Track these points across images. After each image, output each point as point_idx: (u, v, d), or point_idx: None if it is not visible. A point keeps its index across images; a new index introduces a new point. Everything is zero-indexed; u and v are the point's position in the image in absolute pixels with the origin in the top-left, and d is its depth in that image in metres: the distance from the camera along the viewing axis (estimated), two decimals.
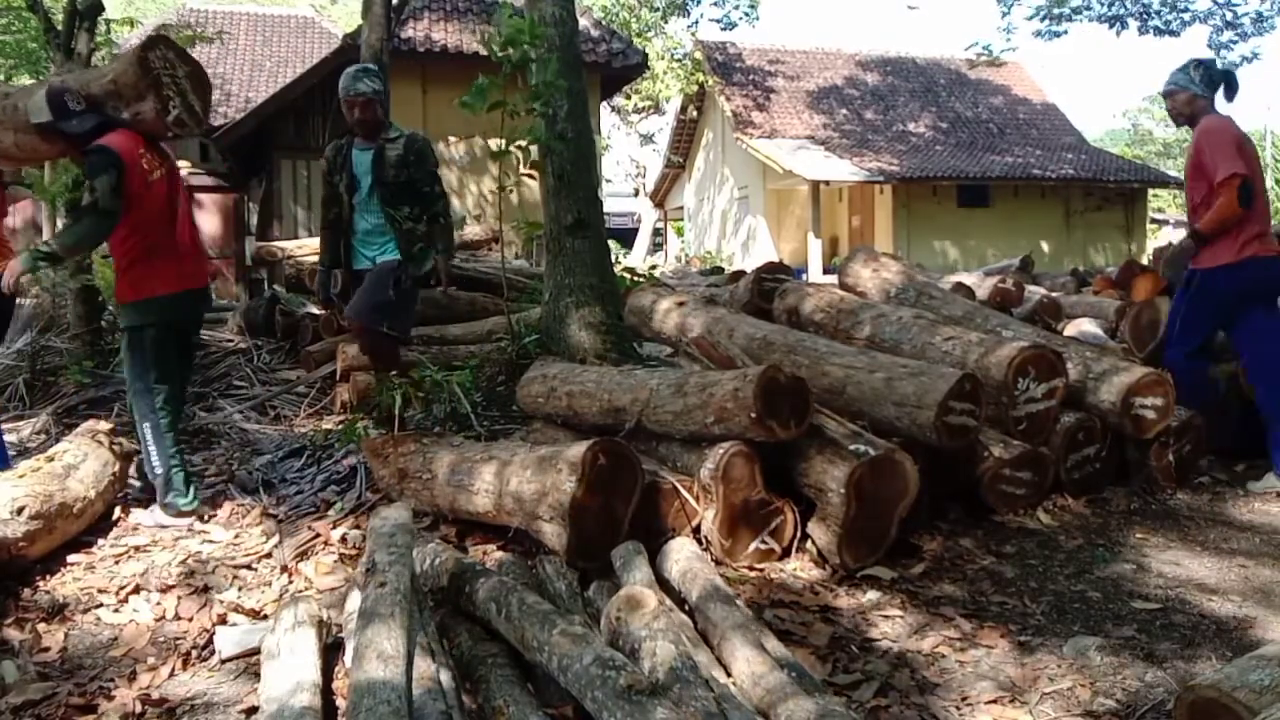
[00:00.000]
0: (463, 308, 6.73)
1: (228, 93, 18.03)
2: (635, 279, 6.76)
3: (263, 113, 14.77)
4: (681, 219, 27.27)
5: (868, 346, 3.97)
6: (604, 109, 20.50)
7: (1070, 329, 5.49)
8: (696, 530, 3.02)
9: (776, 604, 2.78)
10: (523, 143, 4.72)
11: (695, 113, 24.66)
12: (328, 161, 4.39)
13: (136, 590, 3.04)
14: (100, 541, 3.43)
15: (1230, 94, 4.29)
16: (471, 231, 8.70)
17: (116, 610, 2.94)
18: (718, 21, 31.39)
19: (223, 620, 2.85)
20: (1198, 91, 4.24)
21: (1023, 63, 25.15)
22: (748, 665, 2.14)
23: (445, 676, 2.19)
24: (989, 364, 3.60)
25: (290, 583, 3.11)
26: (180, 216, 3.70)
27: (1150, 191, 23.65)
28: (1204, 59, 4.35)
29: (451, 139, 14.46)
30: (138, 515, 3.66)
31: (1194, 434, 3.93)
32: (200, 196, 16.41)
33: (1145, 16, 17.22)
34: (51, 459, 3.49)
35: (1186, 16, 17.12)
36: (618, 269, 6.48)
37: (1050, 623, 2.72)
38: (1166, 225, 30.40)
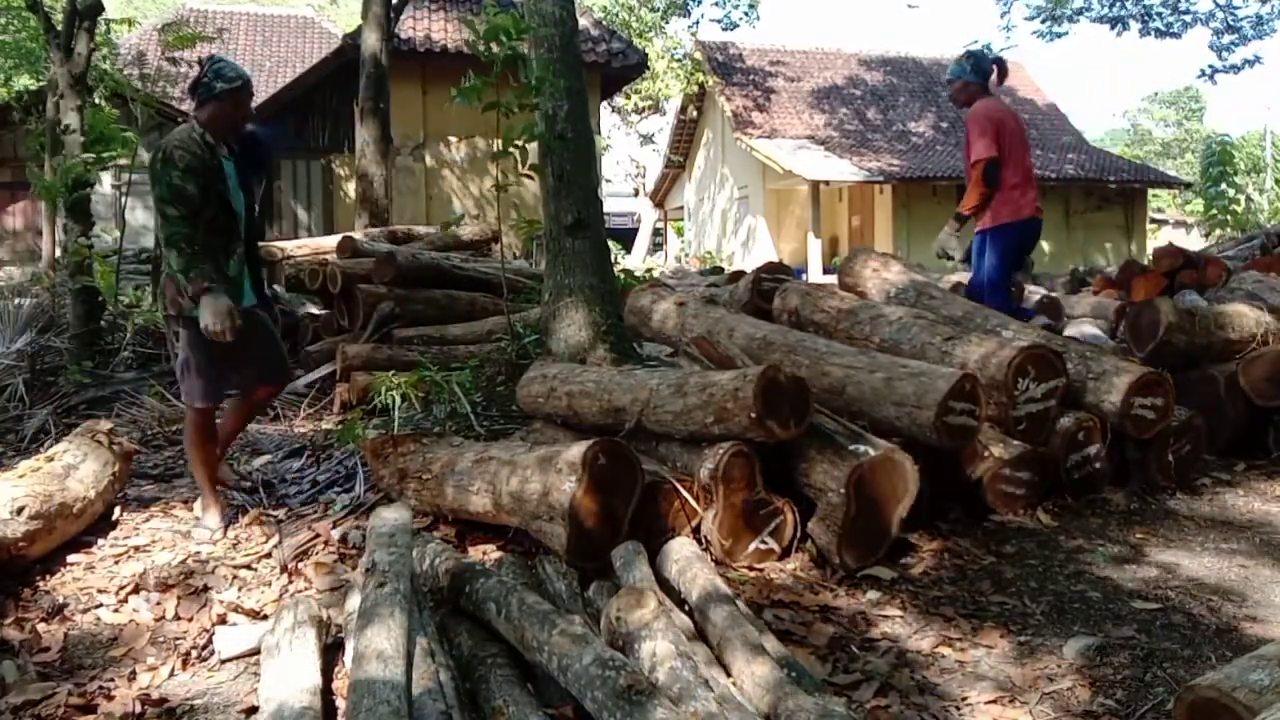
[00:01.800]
0: (463, 308, 6.74)
1: None
2: (633, 279, 6.76)
3: (262, 113, 14.78)
4: (681, 219, 27.27)
5: (867, 346, 3.97)
6: (604, 109, 20.50)
7: (1070, 329, 5.49)
8: (696, 530, 3.02)
9: (776, 604, 2.78)
10: (520, 141, 4.72)
11: (695, 113, 24.67)
12: (198, 159, 3.34)
13: (136, 590, 3.04)
14: (100, 541, 3.42)
15: (1001, 77, 5.05)
16: (471, 231, 8.70)
17: (116, 610, 2.93)
18: (718, 22, 31.43)
19: (223, 620, 2.85)
20: (970, 79, 4.96)
21: (1023, 63, 25.16)
22: (747, 665, 2.14)
23: (445, 676, 2.19)
24: (989, 364, 3.60)
25: (290, 583, 3.11)
26: None
27: (1150, 191, 23.65)
28: (975, 50, 5.05)
29: (451, 139, 14.47)
30: None
31: (1194, 434, 3.93)
32: None
33: (1146, 18, 17.23)
34: (51, 459, 3.49)
35: (1187, 18, 17.14)
36: (616, 269, 6.48)
37: (1050, 623, 2.72)
38: (1166, 225, 30.41)
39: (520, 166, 4.88)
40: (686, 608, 2.54)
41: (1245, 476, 4.07)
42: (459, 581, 2.58)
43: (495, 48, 4.61)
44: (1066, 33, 17.63)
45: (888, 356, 3.68)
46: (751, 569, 3.01)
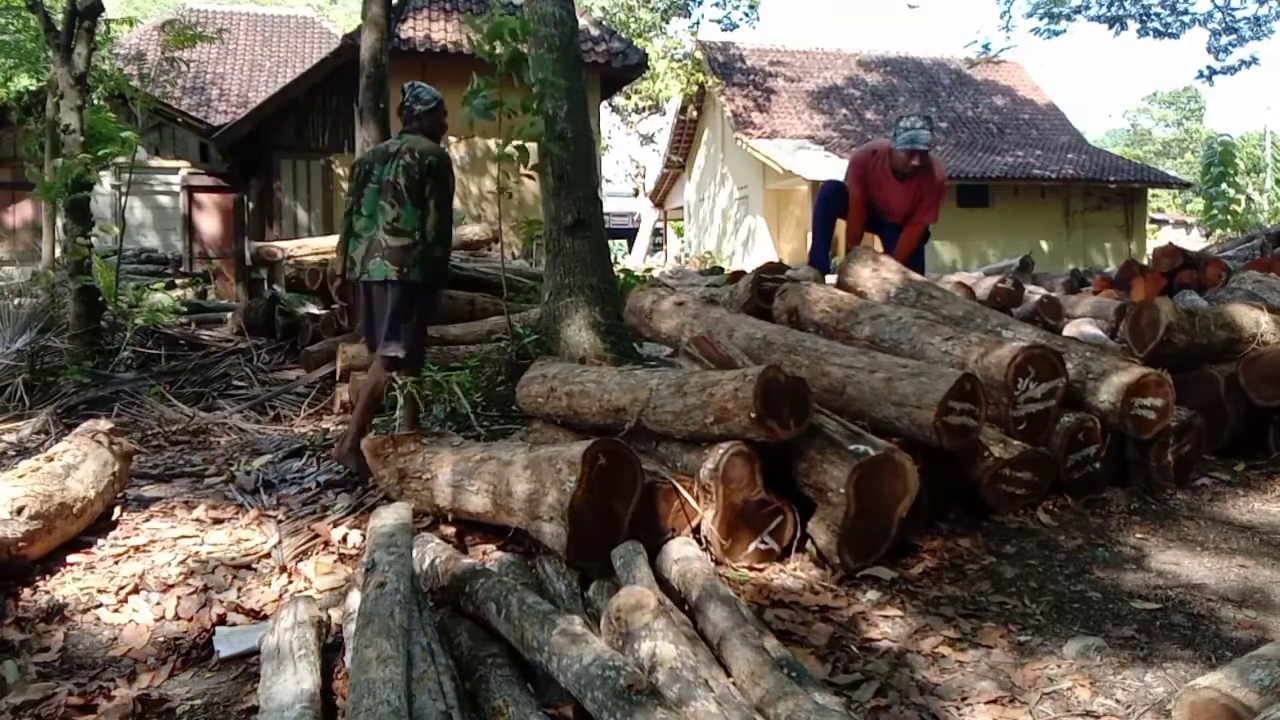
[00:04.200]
0: (462, 308, 6.74)
1: (227, 92, 18.04)
2: (633, 279, 6.76)
3: (263, 113, 14.77)
4: (681, 219, 27.26)
5: (868, 346, 3.97)
6: (604, 109, 20.49)
7: (1070, 329, 5.49)
8: (696, 530, 3.02)
9: (776, 604, 2.78)
10: (519, 142, 4.72)
11: (695, 113, 24.64)
12: None
13: (136, 590, 3.04)
14: (100, 541, 3.43)
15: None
16: (471, 231, 8.69)
17: (116, 610, 2.94)
18: (718, 22, 31.44)
19: (223, 620, 2.85)
20: None
21: (1023, 63, 25.15)
22: (747, 665, 2.14)
23: (445, 676, 2.19)
24: (989, 364, 3.59)
25: (290, 583, 3.11)
26: None
27: (1150, 191, 23.65)
28: (927, 113, 5.61)
29: (451, 139, 14.45)
30: None
31: (1194, 434, 3.92)
32: (200, 197, 16.45)
33: (1144, 18, 17.23)
34: (51, 459, 3.49)
35: (1186, 19, 17.13)
36: (616, 269, 6.47)
37: (1050, 623, 2.72)
38: (1166, 225, 30.41)
39: (523, 167, 4.89)
40: (686, 608, 2.54)
41: (1245, 476, 4.06)
42: (459, 581, 2.58)
43: (500, 48, 4.61)
44: (1064, 30, 17.64)
45: (888, 356, 3.67)
46: (751, 569, 3.01)
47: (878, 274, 4.87)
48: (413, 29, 14.24)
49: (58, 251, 7.61)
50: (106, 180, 11.88)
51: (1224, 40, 17.07)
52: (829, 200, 5.91)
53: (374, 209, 4.17)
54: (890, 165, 5.35)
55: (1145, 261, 10.47)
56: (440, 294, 4.37)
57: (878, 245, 5.99)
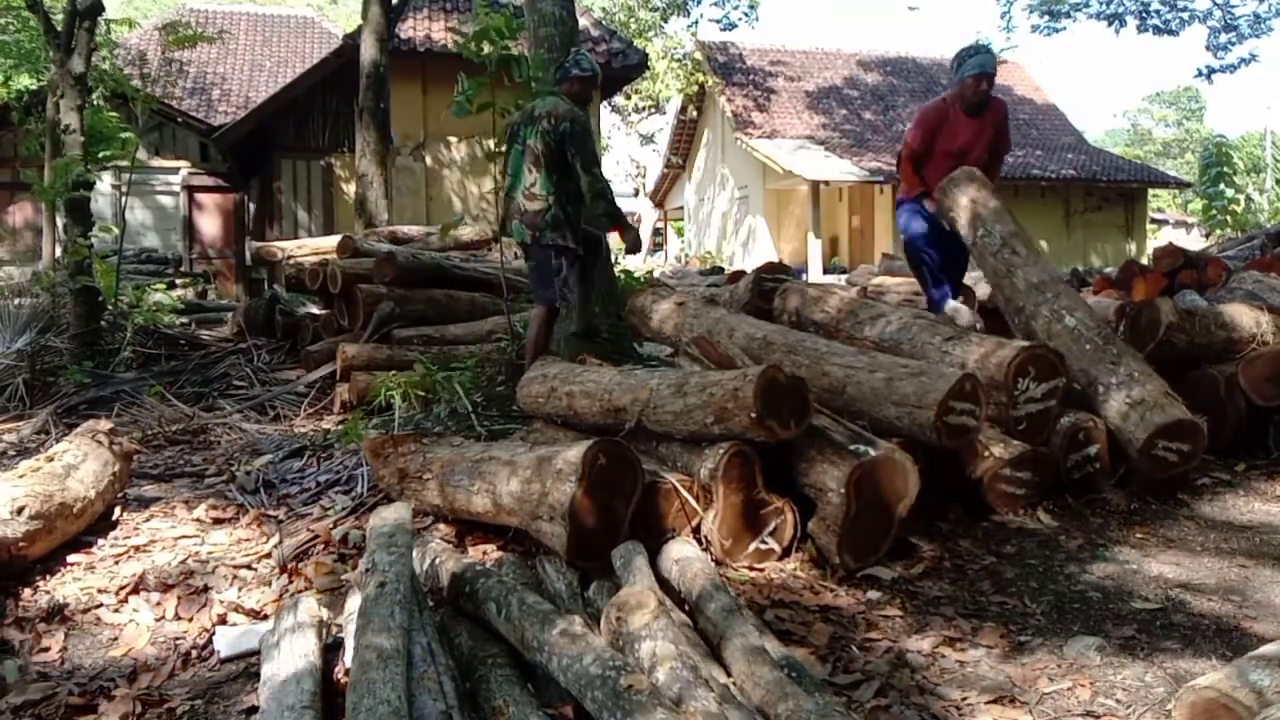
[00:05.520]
0: (463, 308, 6.74)
1: (228, 92, 18.04)
2: (633, 279, 6.76)
3: (263, 113, 14.78)
4: (681, 219, 27.27)
5: (868, 346, 3.97)
6: (604, 109, 20.50)
7: None
8: (696, 530, 3.02)
9: (776, 604, 2.78)
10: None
11: (695, 113, 24.66)
12: None
13: (136, 590, 3.04)
14: (100, 541, 3.43)
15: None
16: (471, 232, 8.69)
17: (116, 610, 2.94)
18: (717, 22, 31.42)
19: (223, 620, 2.85)
20: None
21: (1023, 63, 25.17)
22: (747, 665, 2.14)
23: (445, 676, 2.19)
24: (989, 363, 3.59)
25: (290, 583, 3.11)
26: None
27: (1150, 191, 23.65)
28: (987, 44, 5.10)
29: (451, 139, 14.46)
30: None
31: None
32: (200, 197, 16.45)
33: (1144, 15, 17.23)
34: (51, 459, 3.49)
35: (1185, 16, 17.13)
36: (616, 269, 6.48)
37: (1050, 623, 2.72)
38: (1166, 225, 30.40)
39: None
40: (686, 607, 2.54)
41: (1245, 476, 4.06)
42: (459, 581, 2.58)
43: (487, 47, 4.61)
44: (1064, 28, 17.64)
45: (888, 356, 3.67)
46: (751, 569, 3.01)
47: (974, 205, 4.69)
48: (413, 29, 14.24)
49: (58, 251, 7.62)
50: (106, 180, 11.89)
51: (1223, 38, 17.07)
52: (917, 243, 5.60)
53: (518, 170, 4.42)
54: (959, 105, 5.20)
55: (1145, 261, 10.46)
56: (599, 248, 4.59)
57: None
